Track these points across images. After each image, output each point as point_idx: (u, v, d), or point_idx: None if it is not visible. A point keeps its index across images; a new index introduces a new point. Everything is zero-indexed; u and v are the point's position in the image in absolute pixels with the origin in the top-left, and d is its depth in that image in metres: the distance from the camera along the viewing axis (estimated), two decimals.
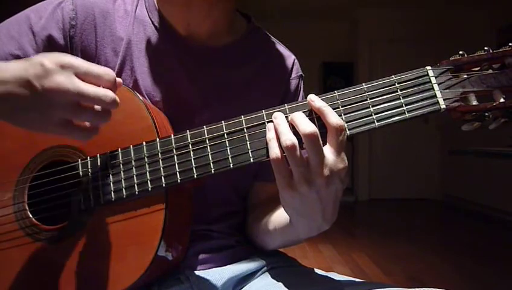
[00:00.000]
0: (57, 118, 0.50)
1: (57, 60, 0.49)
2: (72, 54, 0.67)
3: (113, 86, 0.52)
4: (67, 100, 0.49)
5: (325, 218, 0.55)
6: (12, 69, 0.49)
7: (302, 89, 0.81)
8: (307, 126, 0.50)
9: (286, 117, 0.53)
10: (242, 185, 0.77)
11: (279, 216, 0.65)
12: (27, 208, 0.64)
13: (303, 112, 0.53)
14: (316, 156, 0.50)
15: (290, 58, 0.81)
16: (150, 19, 0.71)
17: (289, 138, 0.49)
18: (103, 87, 0.51)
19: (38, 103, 0.49)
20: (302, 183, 0.51)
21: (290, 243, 0.71)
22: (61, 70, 0.49)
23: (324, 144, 0.51)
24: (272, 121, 0.53)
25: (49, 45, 0.67)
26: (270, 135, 0.52)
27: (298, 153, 0.49)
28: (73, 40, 0.67)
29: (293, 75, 0.79)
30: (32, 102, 0.49)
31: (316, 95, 0.54)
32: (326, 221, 0.56)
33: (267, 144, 0.53)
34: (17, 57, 0.65)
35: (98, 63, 0.68)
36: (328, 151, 0.51)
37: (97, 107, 0.51)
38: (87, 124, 0.53)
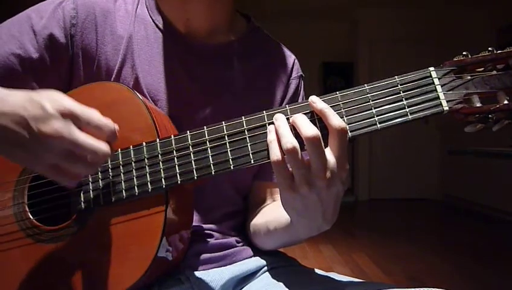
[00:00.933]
0: (48, 161, 0.50)
1: (59, 105, 0.49)
2: (73, 52, 0.68)
3: (112, 138, 0.53)
4: (61, 147, 0.49)
5: (325, 219, 0.55)
6: (13, 102, 0.49)
7: (302, 89, 0.81)
8: (308, 129, 0.49)
9: (287, 119, 0.53)
10: (243, 185, 0.76)
11: (280, 216, 0.65)
12: (27, 208, 0.63)
13: (304, 113, 0.53)
14: (317, 159, 0.49)
15: (290, 58, 0.81)
16: (151, 17, 0.72)
17: (290, 141, 0.49)
18: (101, 138, 0.52)
19: (32, 144, 0.49)
20: (303, 185, 0.50)
21: (291, 243, 0.71)
22: (61, 117, 0.49)
23: (326, 146, 0.51)
24: (272, 123, 0.53)
25: (50, 44, 0.66)
26: (271, 137, 0.51)
27: (299, 155, 0.49)
28: (74, 39, 0.67)
29: (294, 75, 0.79)
30: (25, 142, 0.49)
31: (317, 95, 0.54)
32: (326, 221, 0.56)
33: (267, 145, 0.52)
34: (18, 56, 0.65)
35: (99, 61, 0.68)
36: (330, 154, 0.50)
37: (89, 157, 0.51)
38: (76, 171, 0.52)
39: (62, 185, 0.54)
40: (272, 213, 0.70)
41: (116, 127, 0.54)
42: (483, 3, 4.81)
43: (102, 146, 0.51)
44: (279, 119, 0.52)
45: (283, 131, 0.50)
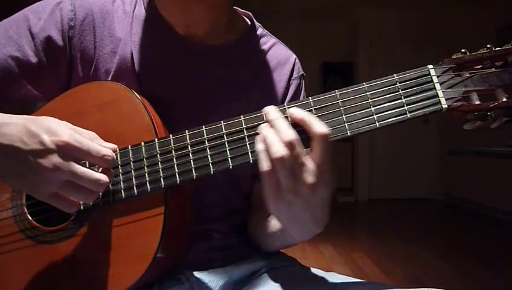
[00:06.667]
0: (48, 191, 0.52)
1: (57, 139, 0.51)
2: (71, 54, 0.67)
3: (112, 164, 0.55)
4: (60, 179, 0.51)
5: (315, 222, 0.55)
6: (10, 136, 0.51)
7: (303, 89, 0.80)
8: (286, 133, 0.49)
9: (286, 117, 0.53)
10: (243, 185, 0.76)
11: (276, 221, 0.65)
12: (26, 209, 0.63)
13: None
14: (298, 164, 0.49)
15: (291, 58, 0.80)
16: (149, 18, 0.71)
17: (279, 150, 0.48)
18: (101, 166, 0.54)
19: (31, 176, 0.51)
20: (289, 193, 0.50)
21: (288, 245, 0.71)
22: (59, 151, 0.51)
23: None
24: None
25: (48, 47, 0.66)
26: (260, 147, 0.50)
27: (287, 163, 0.48)
28: (72, 42, 0.67)
29: (295, 75, 0.79)
30: (25, 174, 0.51)
31: (316, 95, 0.54)
32: (317, 225, 0.56)
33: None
34: (16, 59, 0.65)
35: (97, 63, 0.67)
36: (313, 159, 0.50)
37: (89, 186, 0.53)
38: (76, 198, 0.55)
39: (63, 210, 0.56)
40: (270, 216, 0.70)
41: (115, 149, 0.56)
42: (483, 4, 4.81)
43: (101, 176, 0.53)
44: (264, 128, 0.51)
45: (271, 140, 0.49)
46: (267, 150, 0.49)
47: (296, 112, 0.52)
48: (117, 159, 0.59)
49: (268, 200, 0.52)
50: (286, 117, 0.52)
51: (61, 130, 0.52)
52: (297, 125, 0.51)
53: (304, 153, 0.49)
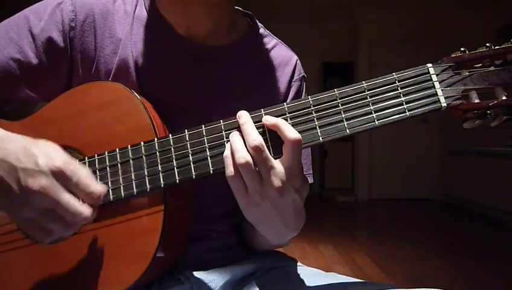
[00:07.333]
0: (26, 215, 0.51)
1: (52, 163, 0.51)
2: (72, 55, 0.67)
3: (97, 202, 0.54)
4: (42, 204, 0.50)
5: (287, 225, 0.56)
6: (8, 150, 0.51)
7: (304, 91, 0.80)
8: (251, 138, 0.50)
9: (286, 118, 0.53)
10: None
11: None
12: None
13: (294, 111, 0.54)
14: (263, 167, 0.50)
15: (292, 59, 0.79)
16: (150, 19, 0.70)
17: (243, 156, 0.50)
18: (87, 202, 0.53)
19: (15, 194, 0.50)
20: (256, 194, 0.51)
21: (272, 246, 0.73)
22: (50, 175, 0.50)
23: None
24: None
25: (49, 48, 0.66)
26: (226, 153, 0.52)
27: (252, 168, 0.50)
28: (73, 42, 0.67)
29: (296, 77, 0.78)
30: (10, 191, 0.50)
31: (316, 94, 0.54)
32: (290, 228, 0.57)
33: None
34: (18, 61, 0.65)
35: (98, 64, 0.67)
36: (281, 163, 0.51)
37: (68, 219, 0.52)
38: (51, 229, 0.53)
39: (34, 240, 0.55)
40: None
41: (104, 191, 0.55)
42: (483, 4, 4.81)
43: (84, 210, 0.52)
44: (234, 135, 0.53)
45: (236, 146, 0.51)
46: (232, 155, 0.51)
47: (269, 118, 0.53)
48: (117, 158, 0.59)
49: (237, 200, 0.54)
50: (260, 121, 0.54)
51: (57, 155, 0.52)
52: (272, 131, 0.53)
53: (267, 155, 0.50)
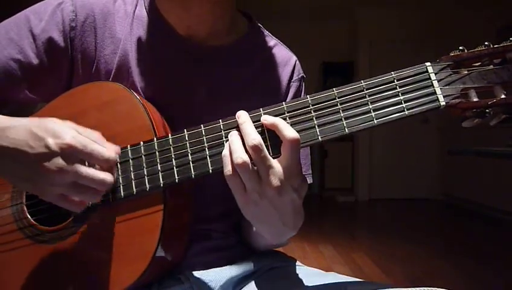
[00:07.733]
0: (55, 193, 0.53)
1: (61, 142, 0.52)
2: (72, 55, 0.67)
3: (114, 165, 0.57)
4: (65, 181, 0.52)
5: (286, 225, 0.56)
6: (16, 139, 0.52)
7: (303, 91, 0.80)
8: (250, 138, 0.51)
9: (285, 118, 0.53)
10: None
11: None
12: (25, 209, 0.63)
13: (293, 110, 0.54)
14: (262, 167, 0.51)
15: (291, 59, 0.79)
16: (149, 19, 0.70)
17: (240, 156, 0.50)
18: (104, 167, 0.55)
19: (38, 179, 0.52)
20: (254, 193, 0.52)
21: (271, 245, 0.72)
22: (63, 154, 0.52)
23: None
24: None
25: (50, 48, 0.66)
26: (225, 152, 0.53)
27: (249, 168, 0.50)
28: (74, 42, 0.67)
29: (295, 77, 0.78)
30: (32, 177, 0.52)
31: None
32: (289, 227, 0.57)
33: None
34: (18, 61, 0.65)
35: (98, 64, 0.67)
36: (279, 162, 0.51)
37: (93, 187, 0.54)
38: (82, 199, 0.56)
39: (71, 210, 0.57)
40: None
41: (118, 150, 0.57)
42: (483, 4, 4.81)
43: (105, 176, 0.54)
44: (232, 135, 0.53)
45: (234, 146, 0.52)
46: (231, 155, 0.51)
47: (268, 117, 0.53)
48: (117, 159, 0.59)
49: (236, 199, 0.54)
50: (259, 121, 0.54)
51: (65, 132, 0.53)
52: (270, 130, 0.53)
53: (265, 155, 0.51)
